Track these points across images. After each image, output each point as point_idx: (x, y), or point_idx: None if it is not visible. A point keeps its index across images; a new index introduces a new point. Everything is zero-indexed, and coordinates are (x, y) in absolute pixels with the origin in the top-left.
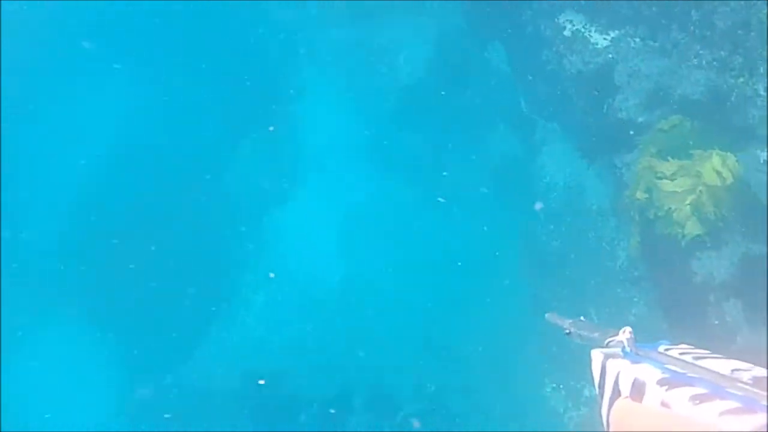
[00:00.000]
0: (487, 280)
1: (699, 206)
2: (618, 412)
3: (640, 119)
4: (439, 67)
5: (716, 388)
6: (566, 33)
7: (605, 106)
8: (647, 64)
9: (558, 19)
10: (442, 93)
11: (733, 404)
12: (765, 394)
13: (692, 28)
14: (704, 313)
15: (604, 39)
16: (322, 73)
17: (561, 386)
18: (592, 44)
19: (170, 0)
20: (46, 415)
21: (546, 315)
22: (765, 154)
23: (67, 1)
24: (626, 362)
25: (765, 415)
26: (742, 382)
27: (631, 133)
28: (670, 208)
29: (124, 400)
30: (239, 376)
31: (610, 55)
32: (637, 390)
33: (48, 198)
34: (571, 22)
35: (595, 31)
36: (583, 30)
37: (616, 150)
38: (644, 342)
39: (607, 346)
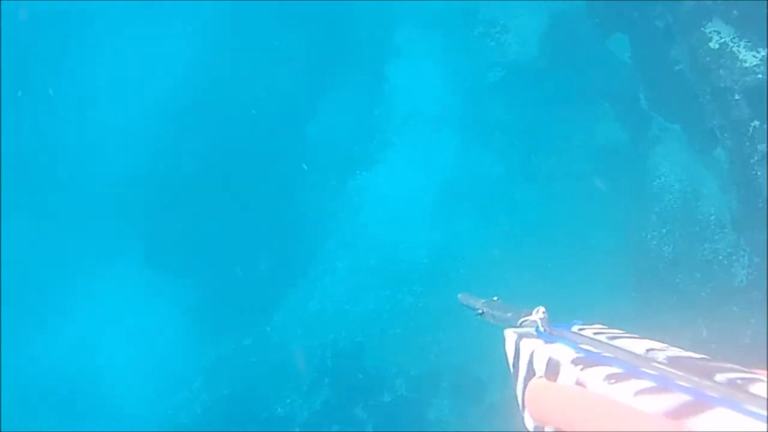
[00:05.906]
0: (587, 275)
1: None
2: (533, 391)
3: None
4: (551, 49)
5: (631, 367)
6: (712, 45)
7: (750, 129)
8: None
9: (704, 28)
10: (550, 74)
11: (648, 384)
12: (680, 373)
13: None
14: None
15: (754, 57)
16: (423, 36)
17: None
18: (740, 60)
19: None
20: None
21: (459, 296)
22: None
23: None
24: (540, 342)
25: (680, 394)
26: (657, 361)
27: None
28: None
29: (202, 359)
30: (318, 345)
31: (760, 75)
32: (552, 369)
33: (114, 139)
34: (718, 33)
35: (743, 47)
36: (731, 44)
37: (754, 171)
38: (558, 321)
39: (520, 325)
